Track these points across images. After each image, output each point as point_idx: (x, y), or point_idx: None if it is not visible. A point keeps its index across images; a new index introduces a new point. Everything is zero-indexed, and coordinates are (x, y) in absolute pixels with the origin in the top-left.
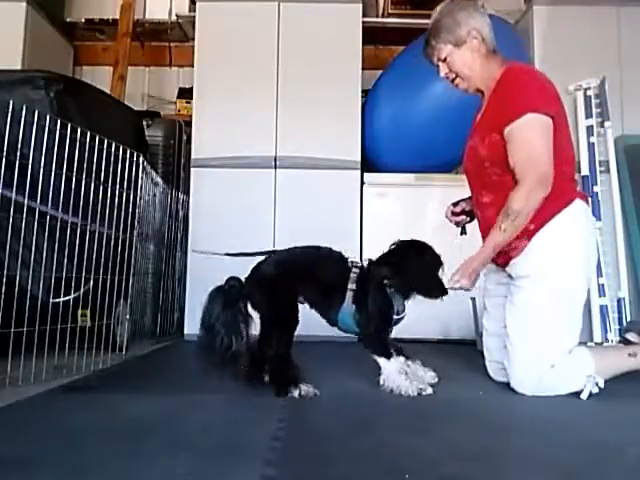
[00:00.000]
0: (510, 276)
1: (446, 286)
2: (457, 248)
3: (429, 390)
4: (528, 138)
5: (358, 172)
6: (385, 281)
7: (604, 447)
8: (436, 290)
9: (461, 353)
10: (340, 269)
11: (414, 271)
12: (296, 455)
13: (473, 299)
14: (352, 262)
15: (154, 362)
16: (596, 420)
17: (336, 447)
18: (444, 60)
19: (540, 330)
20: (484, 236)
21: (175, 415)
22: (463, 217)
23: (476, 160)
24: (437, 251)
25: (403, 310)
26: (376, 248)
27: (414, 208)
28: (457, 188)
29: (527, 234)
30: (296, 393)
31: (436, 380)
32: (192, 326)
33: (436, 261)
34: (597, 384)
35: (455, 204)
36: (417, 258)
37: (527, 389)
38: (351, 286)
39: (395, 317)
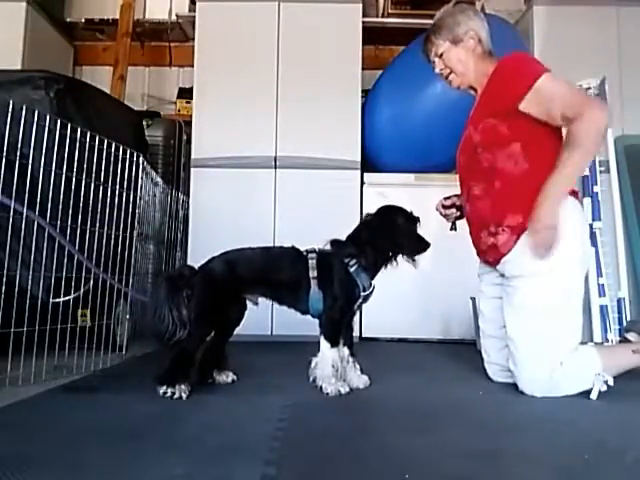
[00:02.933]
0: (503, 275)
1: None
2: (458, 247)
3: (343, 390)
4: (556, 89)
5: (358, 172)
6: (346, 260)
7: (604, 447)
8: (415, 247)
9: (461, 353)
10: (295, 260)
11: (387, 240)
12: (296, 455)
13: (473, 299)
14: (306, 250)
15: (154, 362)
16: (596, 420)
17: (336, 447)
18: (440, 56)
19: (543, 330)
20: (473, 232)
21: (175, 415)
22: (453, 210)
23: (469, 149)
24: (410, 211)
25: (370, 286)
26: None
27: (414, 208)
28: (457, 188)
29: (517, 229)
30: (161, 390)
31: (368, 384)
32: None
33: (406, 220)
34: (606, 382)
35: (446, 198)
36: (383, 226)
37: (537, 390)
38: (313, 273)
39: (363, 294)
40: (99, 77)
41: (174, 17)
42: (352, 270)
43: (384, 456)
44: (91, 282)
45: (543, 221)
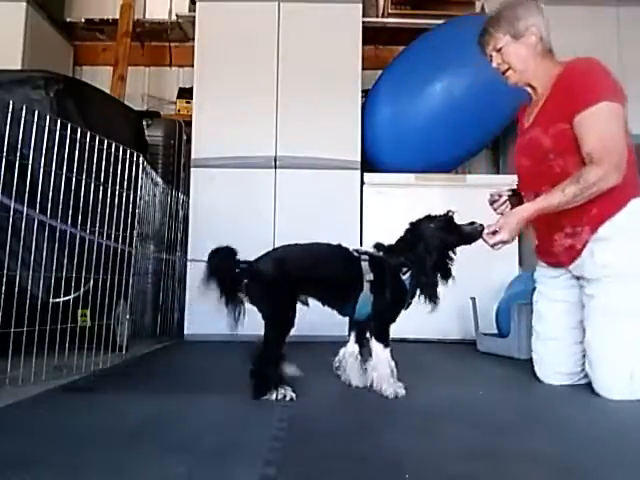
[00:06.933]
0: (578, 278)
1: (488, 244)
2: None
3: (403, 392)
4: (603, 125)
5: (358, 172)
6: (399, 266)
7: (604, 447)
8: (466, 241)
9: (461, 353)
10: (349, 261)
11: (427, 261)
12: (296, 455)
13: (473, 299)
14: (356, 250)
15: (154, 362)
16: (596, 420)
17: (336, 447)
18: (499, 50)
19: (626, 332)
20: (544, 235)
21: (175, 415)
22: (504, 199)
23: (537, 153)
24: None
25: (414, 296)
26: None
27: (414, 208)
28: (457, 188)
29: (592, 220)
30: (273, 396)
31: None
32: (192, 326)
33: (445, 227)
34: None
35: (495, 200)
36: (429, 244)
37: (616, 394)
38: (368, 277)
39: (410, 301)
40: (99, 77)
41: (174, 17)
42: (404, 277)
43: (384, 456)
44: (91, 282)
45: (517, 218)
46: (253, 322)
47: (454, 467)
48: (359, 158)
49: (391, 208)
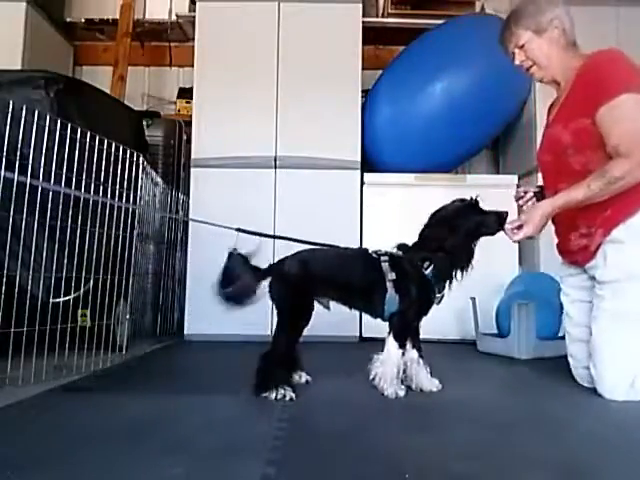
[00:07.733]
0: (593, 278)
1: (512, 239)
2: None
3: (402, 393)
4: (629, 116)
5: (358, 172)
6: (420, 263)
7: (605, 447)
8: (492, 229)
9: (461, 353)
10: (369, 263)
11: (453, 249)
12: (297, 455)
13: (473, 299)
14: (376, 252)
15: (154, 362)
16: (597, 420)
17: (336, 447)
18: (521, 47)
19: (632, 336)
20: (562, 233)
21: (175, 415)
22: (530, 195)
23: (557, 149)
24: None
25: (444, 288)
26: (376, 248)
27: (414, 208)
28: (457, 188)
29: (606, 223)
30: (272, 395)
31: (440, 388)
32: (192, 326)
33: (467, 213)
34: None
35: (519, 196)
36: (448, 227)
37: (617, 396)
38: (390, 276)
39: (438, 296)
40: (99, 77)
41: (174, 17)
42: (427, 272)
43: (384, 456)
44: (91, 282)
45: (541, 212)
46: (251, 322)
47: (454, 467)
48: (359, 158)
49: (391, 208)
